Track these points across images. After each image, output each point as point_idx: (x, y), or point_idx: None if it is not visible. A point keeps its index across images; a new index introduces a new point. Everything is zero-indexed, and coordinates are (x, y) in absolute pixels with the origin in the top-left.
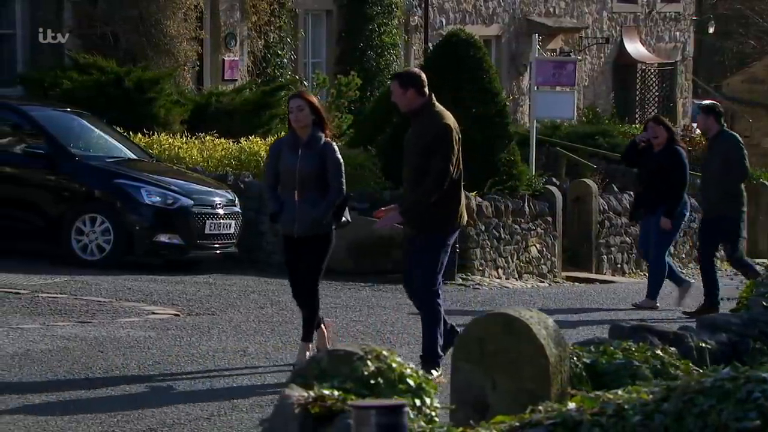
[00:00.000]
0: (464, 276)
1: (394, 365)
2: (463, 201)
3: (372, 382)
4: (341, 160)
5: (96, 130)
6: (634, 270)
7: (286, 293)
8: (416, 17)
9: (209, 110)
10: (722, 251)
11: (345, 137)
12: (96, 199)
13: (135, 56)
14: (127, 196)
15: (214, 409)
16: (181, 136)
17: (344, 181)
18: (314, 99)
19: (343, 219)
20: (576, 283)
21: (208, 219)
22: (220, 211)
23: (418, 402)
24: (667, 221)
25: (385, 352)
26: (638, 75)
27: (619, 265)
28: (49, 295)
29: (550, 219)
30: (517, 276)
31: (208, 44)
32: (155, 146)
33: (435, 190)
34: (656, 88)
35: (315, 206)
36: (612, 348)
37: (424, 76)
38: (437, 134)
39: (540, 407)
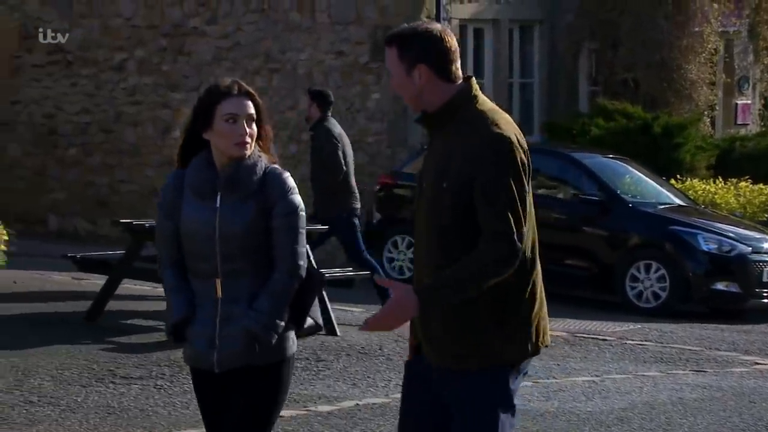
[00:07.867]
0: None
1: None
2: (543, 296)
3: None
4: (300, 205)
5: (641, 176)
6: None
7: None
8: None
9: (732, 155)
10: None
11: None
12: (651, 245)
13: (655, 101)
14: (684, 243)
15: None
16: (714, 182)
17: (303, 248)
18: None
19: (309, 321)
20: None
21: (765, 267)
22: None
23: None
24: None
25: None
26: None
27: None
28: (636, 342)
29: None
30: None
31: (721, 88)
32: (688, 192)
33: (495, 266)
34: None
35: (251, 305)
36: None
37: (454, 43)
38: (486, 152)
39: None
